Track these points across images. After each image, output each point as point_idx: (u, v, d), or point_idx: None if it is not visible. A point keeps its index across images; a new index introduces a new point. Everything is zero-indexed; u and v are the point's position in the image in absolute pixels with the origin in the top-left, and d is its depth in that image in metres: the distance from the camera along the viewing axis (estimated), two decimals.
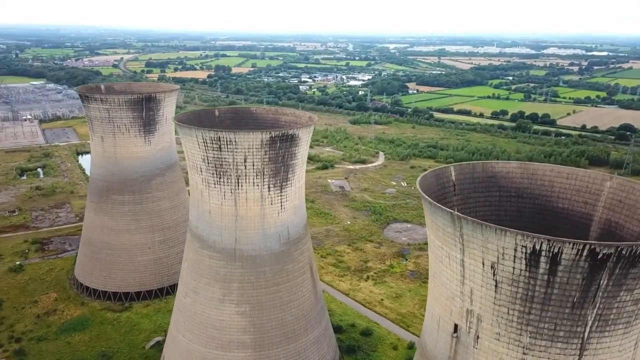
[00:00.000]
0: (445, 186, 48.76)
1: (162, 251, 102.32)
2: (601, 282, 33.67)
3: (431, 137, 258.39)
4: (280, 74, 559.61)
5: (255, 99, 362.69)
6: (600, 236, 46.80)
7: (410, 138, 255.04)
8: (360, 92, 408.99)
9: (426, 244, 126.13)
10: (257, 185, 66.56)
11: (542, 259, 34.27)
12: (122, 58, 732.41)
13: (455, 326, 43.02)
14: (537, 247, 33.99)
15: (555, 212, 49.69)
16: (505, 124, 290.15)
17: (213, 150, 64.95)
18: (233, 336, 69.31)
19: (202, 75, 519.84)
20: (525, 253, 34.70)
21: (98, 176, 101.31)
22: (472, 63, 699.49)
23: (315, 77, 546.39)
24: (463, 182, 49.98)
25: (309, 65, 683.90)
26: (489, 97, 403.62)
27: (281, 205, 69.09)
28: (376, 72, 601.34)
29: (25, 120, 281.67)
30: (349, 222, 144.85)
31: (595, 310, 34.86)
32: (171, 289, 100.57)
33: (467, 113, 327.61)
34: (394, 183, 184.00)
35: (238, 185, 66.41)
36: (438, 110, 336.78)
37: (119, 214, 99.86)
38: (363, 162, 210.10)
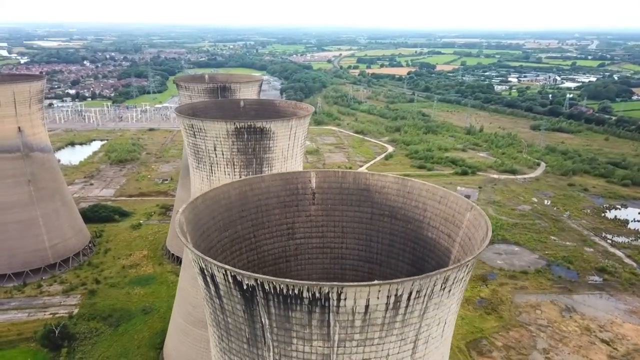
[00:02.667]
0: (300, 192, 43.74)
1: None
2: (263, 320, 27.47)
3: (622, 153, 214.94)
4: (486, 73, 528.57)
5: (438, 97, 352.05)
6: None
7: (591, 151, 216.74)
8: (569, 95, 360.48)
9: (522, 272, 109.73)
10: (229, 175, 68.26)
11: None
12: (340, 54, 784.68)
13: None
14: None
15: (424, 242, 40.28)
16: None
17: (191, 136, 69.06)
18: (201, 316, 72.70)
19: (404, 71, 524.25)
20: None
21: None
22: None
23: (524, 76, 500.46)
24: (327, 192, 44.02)
25: (526, 64, 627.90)
26: None
27: None
28: (607, 73, 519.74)
29: None
30: None
31: (272, 355, 28.53)
32: None
33: None
34: (535, 200, 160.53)
35: (211, 172, 69.27)
36: None
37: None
38: (513, 172, 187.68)
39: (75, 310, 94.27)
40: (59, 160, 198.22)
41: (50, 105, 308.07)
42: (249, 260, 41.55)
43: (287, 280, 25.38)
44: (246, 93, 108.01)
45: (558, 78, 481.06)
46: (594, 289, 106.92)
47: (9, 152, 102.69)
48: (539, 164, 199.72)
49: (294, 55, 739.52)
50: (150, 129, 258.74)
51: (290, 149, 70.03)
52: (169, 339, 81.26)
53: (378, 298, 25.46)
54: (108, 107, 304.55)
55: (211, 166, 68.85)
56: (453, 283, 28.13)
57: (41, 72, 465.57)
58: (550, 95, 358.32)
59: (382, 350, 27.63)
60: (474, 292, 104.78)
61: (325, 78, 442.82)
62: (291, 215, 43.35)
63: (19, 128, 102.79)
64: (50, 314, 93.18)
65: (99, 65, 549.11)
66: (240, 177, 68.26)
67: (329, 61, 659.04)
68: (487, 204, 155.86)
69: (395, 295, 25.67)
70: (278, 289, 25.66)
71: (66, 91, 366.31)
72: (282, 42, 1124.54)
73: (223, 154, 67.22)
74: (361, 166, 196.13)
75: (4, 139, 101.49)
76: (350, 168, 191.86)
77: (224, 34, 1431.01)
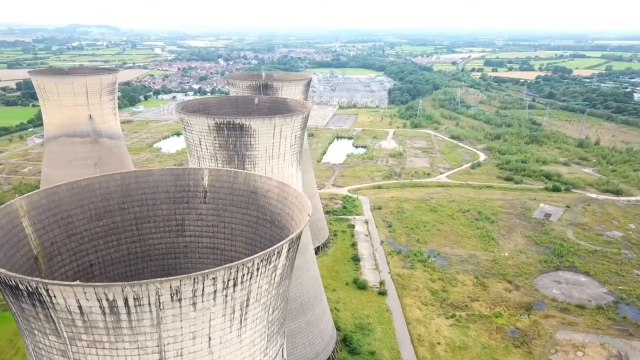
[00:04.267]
0: (191, 190, 43.23)
1: None
2: None
3: None
4: (633, 80, 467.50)
5: (560, 104, 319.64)
6: None
7: None
8: None
9: (579, 306, 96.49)
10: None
11: None
12: (469, 56, 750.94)
13: None
14: None
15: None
16: None
17: (183, 130, 71.84)
18: None
19: (533, 76, 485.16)
20: None
21: None
22: None
23: None
24: (219, 191, 42.95)
25: None
26: None
27: None
28: None
29: (329, 105, 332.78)
30: (506, 254, 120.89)
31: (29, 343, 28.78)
32: None
33: None
34: (633, 227, 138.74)
35: (199, 164, 71.30)
36: None
37: None
38: (616, 192, 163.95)
39: None
40: (159, 148, 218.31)
41: (174, 98, 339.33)
42: (129, 252, 42.16)
43: (6, 272, 25.48)
44: (288, 92, 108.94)
45: None
46: None
47: (80, 137, 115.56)
48: None
49: (419, 57, 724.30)
50: None
51: (275, 148, 69.29)
52: None
53: (87, 300, 24.47)
54: None
55: (198, 160, 70.93)
56: (195, 296, 25.90)
57: (179, 69, 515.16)
58: None
59: (119, 356, 26.48)
60: (510, 321, 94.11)
61: (440, 80, 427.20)
62: (181, 212, 43.09)
63: (90, 116, 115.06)
64: None
65: (230, 63, 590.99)
66: None
67: (454, 63, 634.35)
68: (567, 225, 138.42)
69: (107, 299, 24.44)
70: (8, 281, 25.85)
71: (192, 86, 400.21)
72: (412, 43, 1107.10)
73: (207, 149, 68.84)
74: (442, 173, 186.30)
75: (76, 125, 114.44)
76: (429, 174, 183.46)
77: (358, 35, 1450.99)
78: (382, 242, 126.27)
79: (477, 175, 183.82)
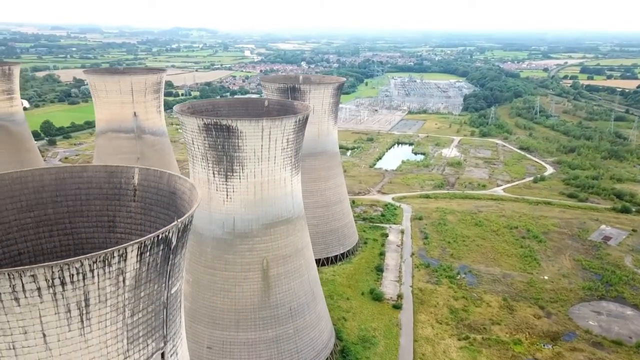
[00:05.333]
0: (122, 187, 44.15)
1: None
2: None
3: None
4: None
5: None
6: None
7: None
8: None
9: (616, 341, 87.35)
10: (204, 168, 71.10)
11: None
12: (565, 62, 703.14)
13: None
14: None
15: None
16: None
17: (181, 129, 73.75)
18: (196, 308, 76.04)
19: (633, 85, 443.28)
20: None
21: None
22: None
23: None
24: (147, 190, 43.56)
25: None
26: None
27: (227, 195, 70.76)
28: None
29: (399, 110, 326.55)
30: (546, 277, 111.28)
31: None
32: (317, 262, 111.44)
33: None
34: None
35: (193, 164, 72.95)
36: None
37: None
38: None
39: None
40: None
41: None
42: (62, 244, 43.95)
43: None
44: (316, 95, 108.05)
45: None
46: None
47: (125, 132, 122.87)
48: None
49: (508, 63, 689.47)
50: None
51: (265, 150, 69.03)
52: None
53: None
54: None
55: (193, 158, 72.55)
56: (15, 291, 26.28)
57: (260, 70, 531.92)
58: None
59: None
60: (529, 350, 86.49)
61: (524, 87, 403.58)
62: (112, 208, 44.19)
63: (135, 113, 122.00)
64: None
65: (312, 66, 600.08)
66: (212, 172, 70.52)
67: (545, 70, 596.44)
68: (628, 251, 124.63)
69: None
70: None
71: None
72: (506, 48, 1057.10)
73: (199, 148, 70.21)
74: (500, 186, 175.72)
75: (121, 121, 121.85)
76: (484, 186, 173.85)
77: (449, 38, 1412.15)
78: (412, 254, 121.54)
79: (537, 190, 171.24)
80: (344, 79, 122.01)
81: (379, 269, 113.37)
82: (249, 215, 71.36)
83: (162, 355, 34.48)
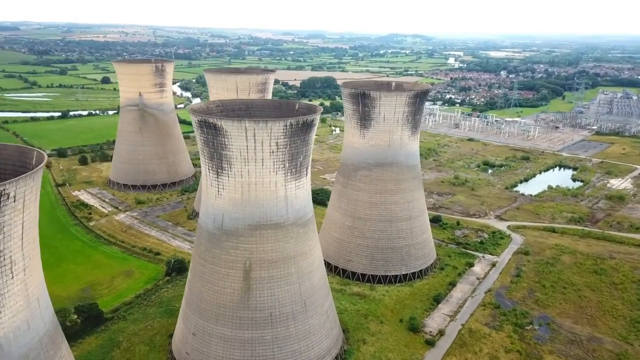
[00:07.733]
0: (26, 167, 50.05)
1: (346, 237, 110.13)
2: None
3: None
4: None
5: None
6: None
7: None
8: None
9: None
10: (203, 163, 74.67)
11: None
12: None
13: None
14: None
15: None
16: None
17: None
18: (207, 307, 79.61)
19: None
20: None
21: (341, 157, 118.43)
22: None
23: None
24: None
25: None
26: None
27: (217, 191, 73.27)
28: None
29: (585, 129, 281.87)
30: None
31: None
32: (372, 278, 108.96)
33: None
34: None
35: (201, 158, 76.73)
36: None
37: (334, 191, 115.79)
38: None
39: None
40: None
41: None
42: None
43: None
44: (387, 103, 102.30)
45: None
46: None
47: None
48: None
49: None
50: (469, 139, 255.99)
51: (250, 152, 69.41)
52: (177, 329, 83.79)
53: None
54: (455, 113, 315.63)
55: (197, 152, 76.47)
56: None
57: (451, 78, 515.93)
58: None
59: None
60: None
61: None
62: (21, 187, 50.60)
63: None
64: None
65: (510, 76, 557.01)
66: (207, 167, 73.62)
67: None
68: None
69: None
70: None
71: (446, 96, 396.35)
72: None
73: (199, 143, 73.94)
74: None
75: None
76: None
77: None
78: (488, 291, 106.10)
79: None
80: (429, 86, 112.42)
81: (437, 299, 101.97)
82: (236, 213, 72.36)
83: None
